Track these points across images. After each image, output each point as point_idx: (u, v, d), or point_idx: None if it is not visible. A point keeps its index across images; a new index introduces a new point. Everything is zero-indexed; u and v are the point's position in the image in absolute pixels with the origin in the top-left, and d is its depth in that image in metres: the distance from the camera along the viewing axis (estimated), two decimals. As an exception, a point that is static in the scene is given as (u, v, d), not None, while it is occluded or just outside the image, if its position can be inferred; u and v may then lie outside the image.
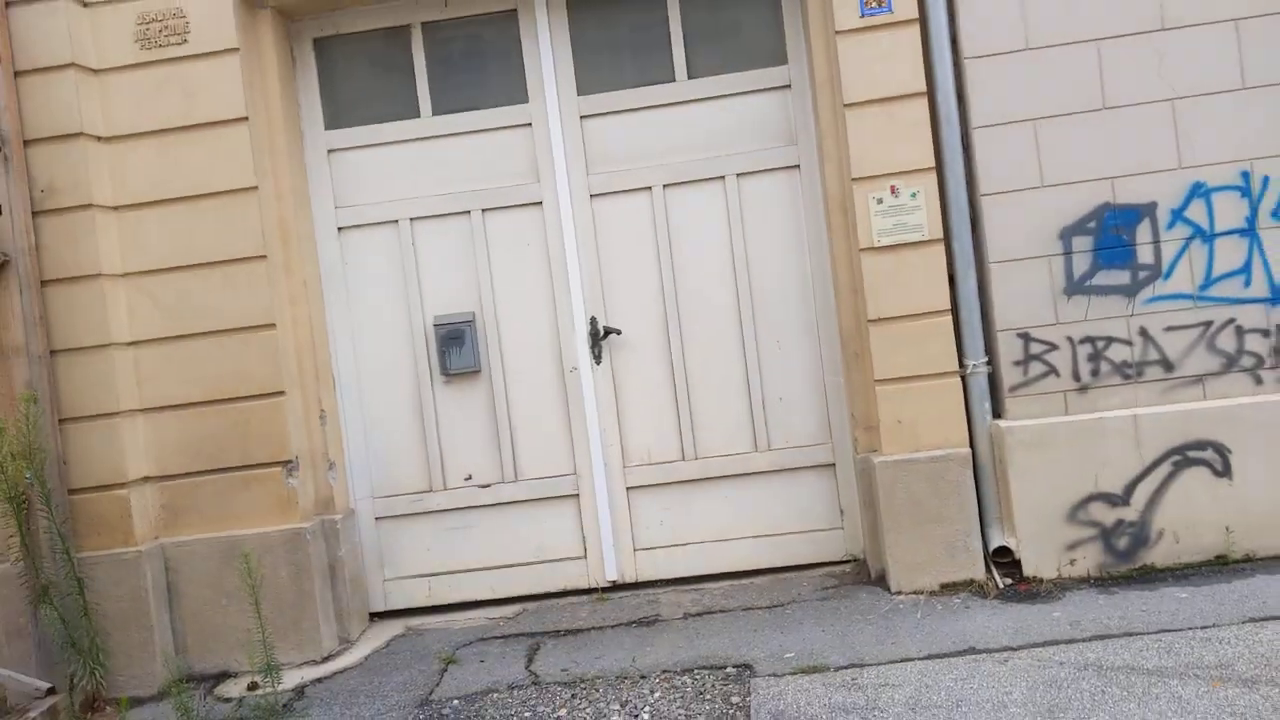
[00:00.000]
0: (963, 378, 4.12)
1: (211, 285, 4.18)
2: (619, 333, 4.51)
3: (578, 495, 4.56)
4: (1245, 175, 3.96)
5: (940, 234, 4.07)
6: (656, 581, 4.55)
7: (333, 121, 4.59)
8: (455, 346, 4.53)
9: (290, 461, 4.19)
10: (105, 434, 4.06)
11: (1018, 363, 4.09)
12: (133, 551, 4.04)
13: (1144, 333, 4.03)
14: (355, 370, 4.61)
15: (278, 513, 4.19)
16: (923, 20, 4.04)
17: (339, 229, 4.58)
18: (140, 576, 4.03)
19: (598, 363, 4.53)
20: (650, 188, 4.50)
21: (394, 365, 4.61)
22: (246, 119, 4.16)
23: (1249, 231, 3.98)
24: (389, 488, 4.62)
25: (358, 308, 4.61)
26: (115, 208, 4.18)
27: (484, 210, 4.54)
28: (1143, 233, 4.02)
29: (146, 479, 4.17)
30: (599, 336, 4.51)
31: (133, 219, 4.19)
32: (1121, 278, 4.03)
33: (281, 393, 4.18)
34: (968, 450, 4.08)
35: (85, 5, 4.15)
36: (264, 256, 4.18)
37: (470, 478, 4.60)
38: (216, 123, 4.17)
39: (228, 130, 4.17)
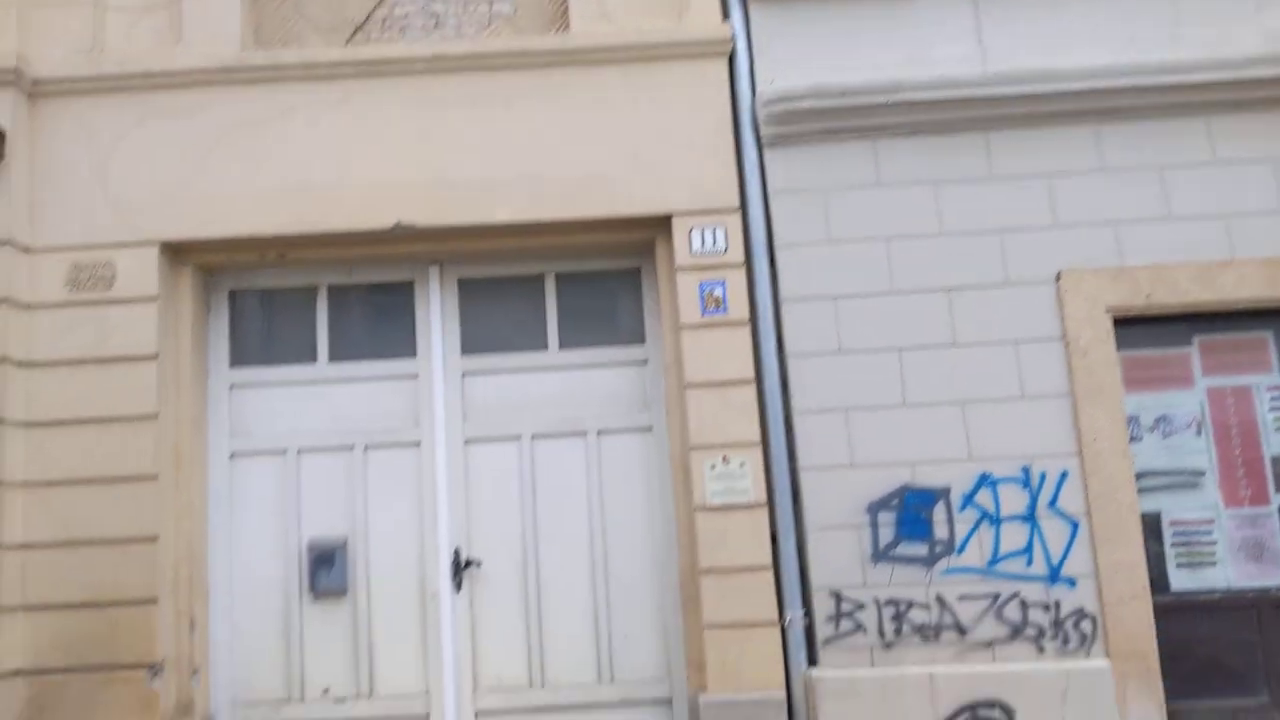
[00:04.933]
0: (782, 628, 4.51)
1: (104, 499, 4.55)
2: (479, 564, 4.90)
3: (428, 715, 4.78)
4: (1026, 470, 4.53)
5: (764, 499, 4.56)
6: (497, 808, 4.73)
7: (237, 360, 5.09)
8: (326, 568, 4.87)
9: (155, 665, 4.45)
10: (-13, 627, 4.31)
11: (830, 618, 4.49)
12: (-10, 744, 4.22)
13: (940, 600, 4.49)
14: (229, 583, 4.91)
15: (138, 713, 4.41)
16: (754, 322, 4.68)
17: (231, 454, 5.00)
18: (-5, 771, 4.19)
19: (458, 590, 4.88)
20: (520, 437, 4.99)
21: (267, 581, 4.91)
22: (156, 356, 4.66)
23: (1029, 518, 4.51)
24: (250, 695, 4.83)
25: (239, 526, 4.96)
26: (27, 424, 4.58)
27: (366, 447, 4.99)
28: (939, 512, 4.54)
29: (19, 672, 4.40)
30: (461, 567, 4.89)
31: (39, 435, 4.59)
32: (921, 550, 4.53)
33: (155, 600, 4.50)
34: (784, 695, 4.42)
35: (27, 251, 4.69)
36: (155, 476, 4.58)
37: (328, 691, 4.83)
38: (129, 358, 4.65)
39: (138, 365, 4.64)
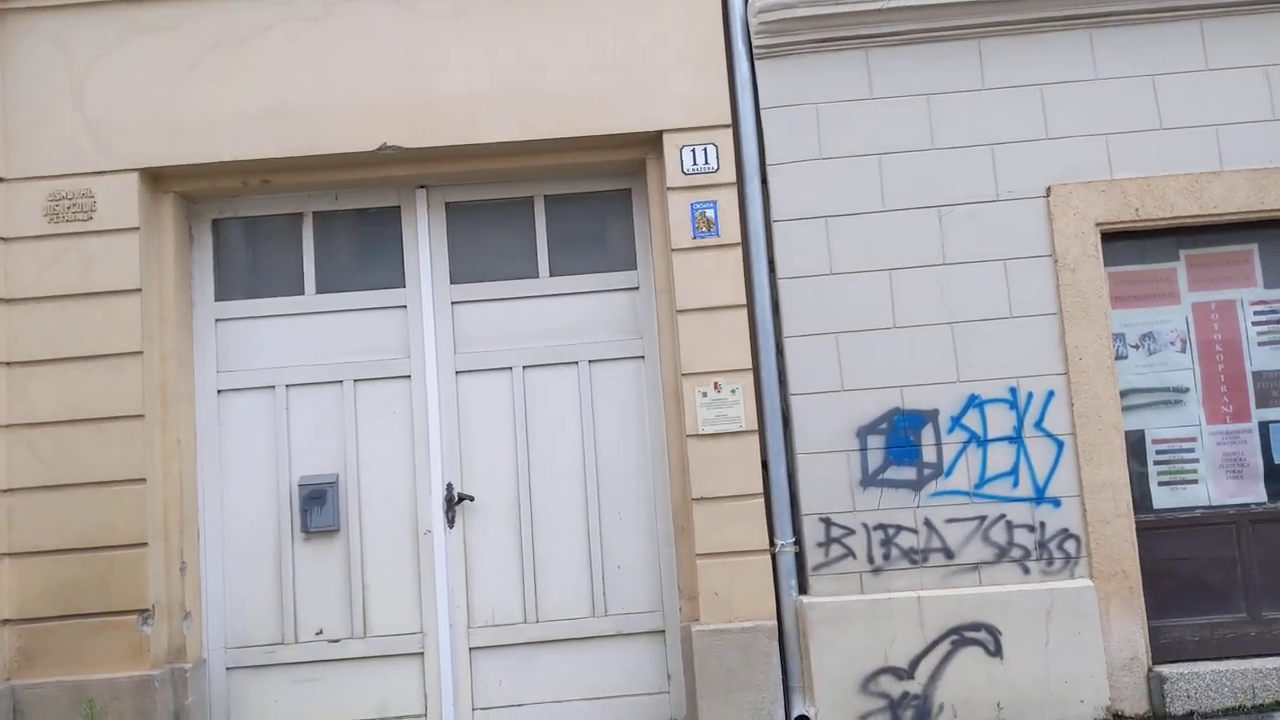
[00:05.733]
0: (773, 556, 4.57)
1: (90, 440, 4.51)
2: (472, 499, 4.90)
3: (422, 654, 4.81)
4: (1013, 390, 4.60)
5: (756, 426, 4.60)
6: (493, 741, 4.76)
7: (222, 293, 5.04)
8: (317, 506, 4.86)
9: (146, 610, 4.43)
10: (-30, 577, 4.25)
11: (820, 544, 4.57)
12: (-16, 691, 4.17)
13: (928, 523, 4.56)
14: (220, 524, 4.89)
15: (129, 659, 4.41)
16: (745, 244, 4.70)
17: (219, 391, 4.95)
18: (-13, 716, 4.16)
19: (450, 527, 4.89)
20: (511, 368, 4.99)
21: (258, 521, 4.90)
22: (140, 290, 4.59)
23: (1016, 439, 4.59)
24: (243, 639, 4.83)
25: (229, 465, 4.93)
26: (8, 363, 4.52)
27: (355, 380, 4.96)
28: (927, 435, 4.60)
29: (6, 621, 4.37)
30: (453, 502, 4.89)
31: (22, 374, 4.53)
32: (909, 473, 4.59)
33: (145, 544, 4.48)
34: (775, 623, 4.50)
35: (2, 181, 4.58)
36: (141, 415, 4.53)
37: (321, 632, 4.84)
38: (111, 292, 4.58)
39: (121, 299, 4.58)
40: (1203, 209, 4.58)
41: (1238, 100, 4.65)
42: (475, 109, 4.69)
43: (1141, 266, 4.74)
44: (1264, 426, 4.66)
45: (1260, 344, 4.70)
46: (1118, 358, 4.66)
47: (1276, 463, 4.64)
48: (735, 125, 4.74)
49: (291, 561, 4.86)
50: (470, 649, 4.83)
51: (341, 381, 4.97)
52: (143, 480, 4.49)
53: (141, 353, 4.56)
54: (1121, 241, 4.69)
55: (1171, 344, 4.70)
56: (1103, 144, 4.64)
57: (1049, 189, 4.63)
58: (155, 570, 4.51)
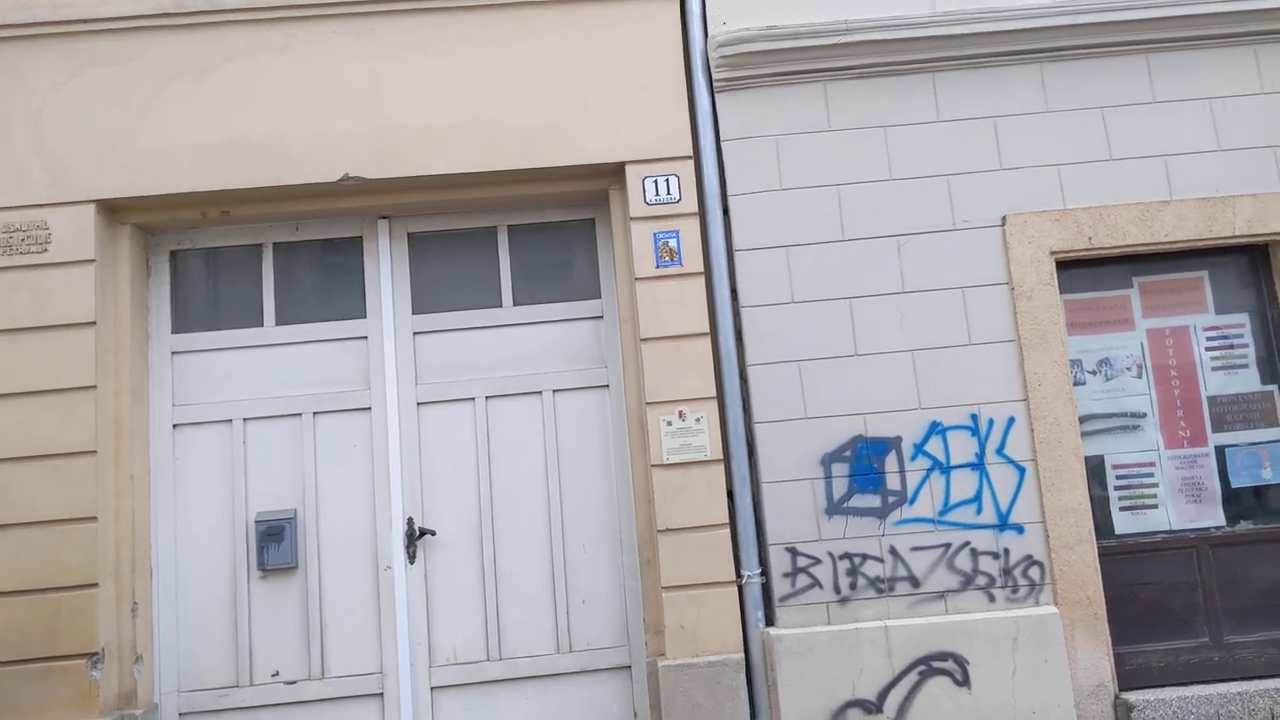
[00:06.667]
0: (739, 587, 4.54)
1: (41, 477, 4.39)
2: (433, 534, 4.82)
3: (382, 694, 4.69)
4: (974, 417, 4.63)
5: (721, 455, 4.58)
6: (454, 781, 4.65)
7: (179, 326, 4.96)
8: (274, 542, 4.75)
9: (96, 654, 4.29)
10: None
11: (787, 574, 4.54)
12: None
13: (894, 551, 4.55)
14: (174, 563, 4.76)
15: (78, 706, 4.25)
16: (708, 273, 4.73)
17: (174, 425, 4.85)
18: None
19: (411, 562, 4.80)
20: (473, 399, 4.94)
21: (213, 559, 4.78)
22: (94, 323, 4.51)
23: (978, 466, 4.61)
24: (196, 682, 4.69)
25: (183, 502, 4.82)
26: (-45, 398, 4.40)
27: (315, 413, 4.89)
28: (891, 462, 4.61)
29: (-56, 668, 4.20)
30: (414, 537, 4.81)
31: (-30, 409, 4.40)
32: (874, 501, 4.59)
33: (95, 585, 4.34)
34: (742, 656, 4.44)
35: (-46, 213, 4.51)
36: (94, 451, 4.42)
37: (277, 674, 4.70)
38: (65, 325, 4.50)
39: (76, 332, 4.50)
40: (1154, 237, 4.67)
41: (1184, 131, 4.78)
42: (438, 140, 4.70)
43: (1097, 294, 4.83)
44: (1220, 451, 4.72)
45: (1214, 369, 4.78)
46: (1076, 384, 4.72)
47: (1234, 487, 4.69)
48: (697, 156, 4.80)
49: (247, 600, 4.74)
50: (432, 688, 4.72)
51: (300, 414, 4.89)
52: (94, 518, 4.38)
53: (95, 387, 4.47)
54: (1076, 269, 4.78)
55: (1128, 370, 4.77)
56: (1055, 174, 4.74)
57: (1004, 218, 4.71)
58: (106, 612, 4.38)
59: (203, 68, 4.71)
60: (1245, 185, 4.73)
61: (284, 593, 4.76)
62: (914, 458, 4.59)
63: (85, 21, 4.68)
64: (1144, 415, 4.75)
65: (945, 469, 4.59)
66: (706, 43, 4.82)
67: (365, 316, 4.97)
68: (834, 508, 4.56)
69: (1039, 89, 4.79)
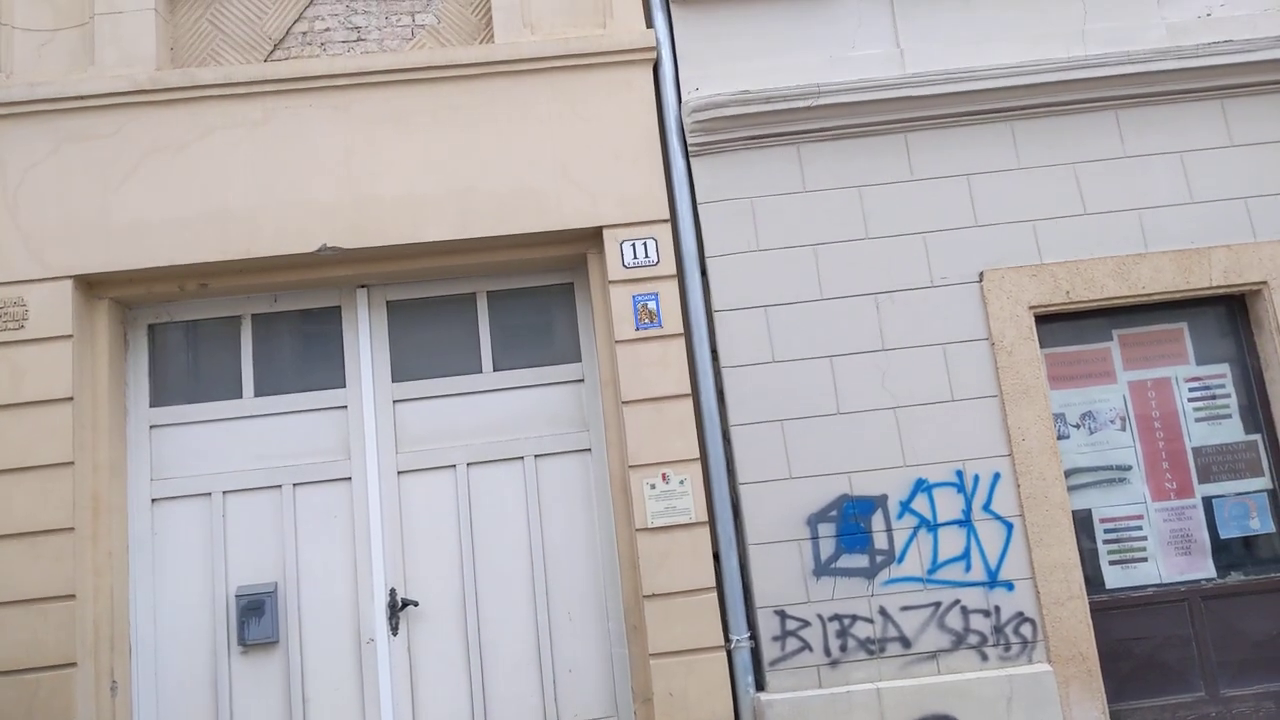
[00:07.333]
0: (728, 652, 4.47)
1: (19, 555, 4.32)
2: (416, 604, 4.75)
3: (366, 771, 4.60)
4: (959, 473, 4.60)
5: (706, 517, 4.54)
6: None
7: (158, 399, 4.92)
8: (255, 617, 4.67)
9: (73, 735, 4.18)
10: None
11: (776, 638, 4.47)
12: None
13: (884, 612, 4.50)
14: (154, 640, 4.68)
15: (52, 791, 4.13)
16: (688, 335, 4.73)
17: (153, 500, 4.80)
18: None
19: (394, 634, 4.72)
20: (455, 466, 4.90)
21: (193, 635, 4.70)
22: (72, 399, 4.47)
23: (965, 522, 4.57)
24: (176, 762, 4.58)
25: (163, 577, 4.75)
26: (-69, 478, 4.34)
27: (295, 484, 4.84)
28: (877, 521, 4.57)
29: (-84, 758, 4.10)
30: (397, 608, 4.73)
31: (-55, 489, 4.35)
32: (862, 561, 4.54)
33: (74, 664, 4.26)
34: (732, 723, 4.37)
35: (-72, 291, 4.49)
36: (72, 528, 4.36)
37: (259, 753, 4.61)
38: (42, 401, 4.46)
39: (53, 408, 4.46)
40: (1131, 290, 4.69)
41: (1157, 185, 4.82)
42: (415, 209, 4.71)
43: (1077, 347, 4.84)
44: (1208, 501, 4.70)
45: (1198, 420, 4.77)
46: (1060, 437, 4.70)
47: (1223, 538, 4.66)
48: (674, 219, 4.82)
49: (229, 677, 4.66)
50: (416, 764, 4.61)
51: (280, 486, 4.84)
52: (72, 596, 4.30)
53: (73, 463, 4.42)
54: (1056, 323, 4.79)
55: (1111, 422, 4.76)
56: (1031, 230, 4.78)
57: (982, 274, 4.73)
58: (84, 692, 4.28)
59: (180, 142, 4.73)
60: (1219, 236, 4.76)
61: (265, 668, 4.67)
62: (900, 516, 4.56)
63: (62, 100, 4.70)
64: (1129, 468, 4.73)
65: (932, 526, 4.55)
66: (680, 108, 4.88)
67: (345, 386, 4.95)
68: (822, 568, 4.51)
69: (1011, 146, 4.85)
